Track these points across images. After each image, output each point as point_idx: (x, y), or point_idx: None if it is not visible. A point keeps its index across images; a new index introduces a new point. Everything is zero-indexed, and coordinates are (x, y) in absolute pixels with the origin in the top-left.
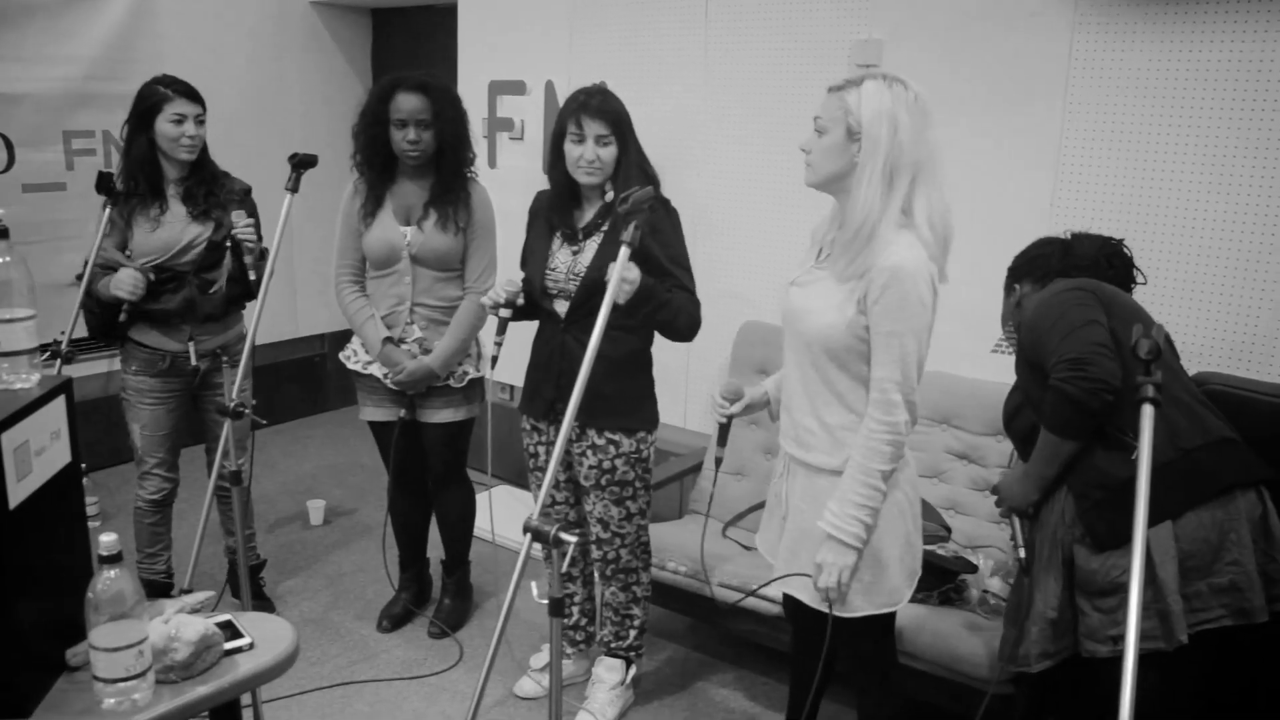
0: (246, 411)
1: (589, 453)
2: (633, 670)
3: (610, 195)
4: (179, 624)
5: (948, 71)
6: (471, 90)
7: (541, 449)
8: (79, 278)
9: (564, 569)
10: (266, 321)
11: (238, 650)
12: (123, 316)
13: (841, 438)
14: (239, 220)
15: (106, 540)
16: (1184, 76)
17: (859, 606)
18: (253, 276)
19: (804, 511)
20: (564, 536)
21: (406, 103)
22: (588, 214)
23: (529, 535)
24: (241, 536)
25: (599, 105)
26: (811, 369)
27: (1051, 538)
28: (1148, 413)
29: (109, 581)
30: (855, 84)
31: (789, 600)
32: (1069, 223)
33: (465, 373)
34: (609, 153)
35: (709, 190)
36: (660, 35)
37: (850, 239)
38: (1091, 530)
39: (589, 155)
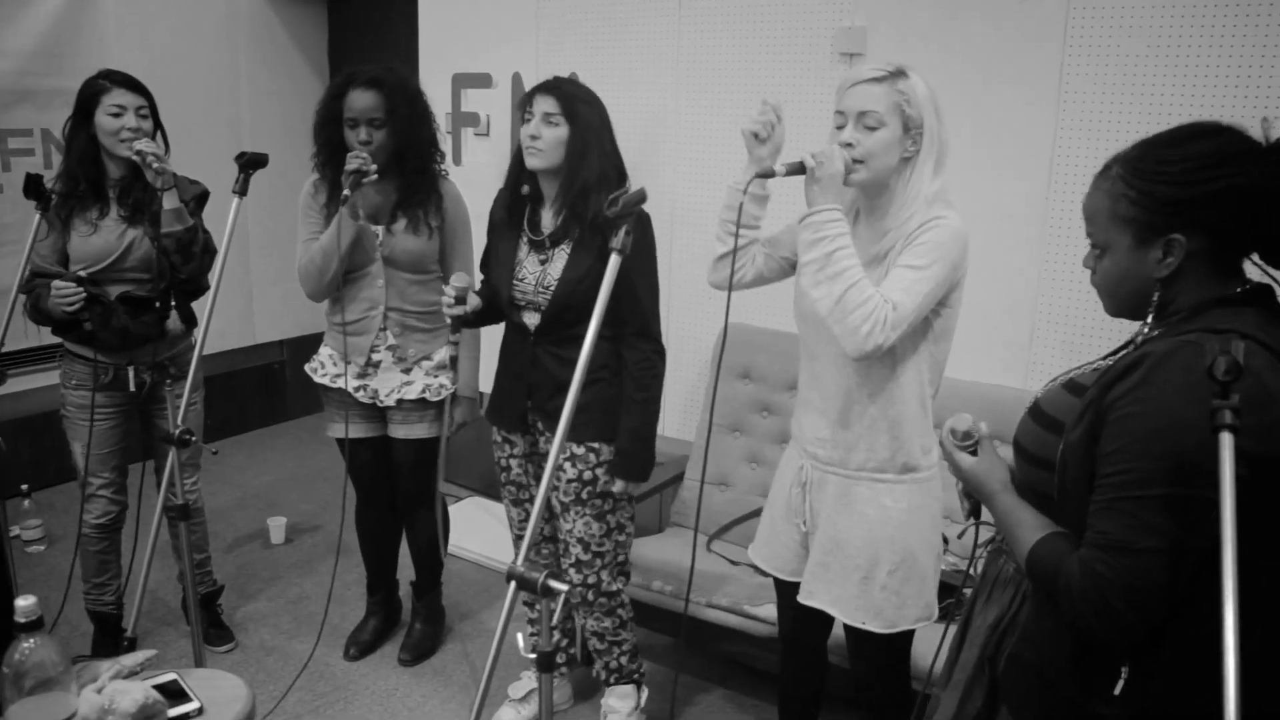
0: (193, 439)
1: (567, 465)
2: (645, 692)
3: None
4: (114, 692)
5: (935, 57)
6: (434, 84)
7: (514, 462)
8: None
9: (554, 622)
10: (221, 330)
11: (184, 717)
12: (87, 326)
13: (896, 432)
14: (146, 145)
15: (24, 605)
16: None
17: (896, 621)
18: (167, 205)
19: (837, 522)
20: (553, 585)
21: (358, 100)
22: (552, 218)
23: (513, 583)
24: (190, 575)
25: (554, 84)
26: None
27: (989, 621)
28: (1226, 442)
29: (27, 652)
30: (899, 74)
31: (789, 619)
32: (1064, 216)
33: (442, 385)
34: (554, 133)
35: (684, 186)
36: (632, 23)
37: (894, 229)
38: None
39: (531, 130)
